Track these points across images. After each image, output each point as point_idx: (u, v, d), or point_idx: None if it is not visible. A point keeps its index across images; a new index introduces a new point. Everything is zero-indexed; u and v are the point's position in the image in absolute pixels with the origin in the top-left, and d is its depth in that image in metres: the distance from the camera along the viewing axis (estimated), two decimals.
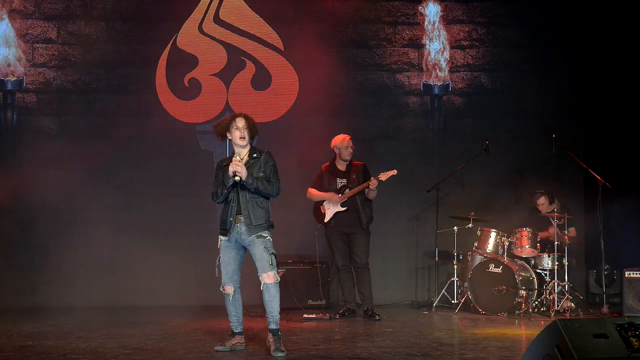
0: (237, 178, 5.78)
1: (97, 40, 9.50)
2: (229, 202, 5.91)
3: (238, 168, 5.78)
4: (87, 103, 9.48)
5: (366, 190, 7.99)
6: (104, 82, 9.52)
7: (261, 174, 5.89)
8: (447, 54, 9.84)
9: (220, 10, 9.68)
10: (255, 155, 5.96)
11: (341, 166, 8.15)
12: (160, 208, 9.28)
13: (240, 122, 5.92)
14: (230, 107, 9.59)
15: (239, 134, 5.90)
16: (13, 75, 9.35)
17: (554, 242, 8.48)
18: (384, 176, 7.88)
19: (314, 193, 8.16)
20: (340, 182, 8.10)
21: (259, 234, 5.85)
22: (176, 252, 9.24)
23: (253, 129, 5.97)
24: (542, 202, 8.96)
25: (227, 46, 9.68)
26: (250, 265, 6.00)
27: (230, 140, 6.00)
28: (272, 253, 5.86)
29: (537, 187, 9.28)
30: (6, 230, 9.12)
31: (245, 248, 5.95)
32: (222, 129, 5.98)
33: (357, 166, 8.15)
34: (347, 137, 8.14)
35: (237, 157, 5.89)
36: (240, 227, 5.86)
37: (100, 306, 8.88)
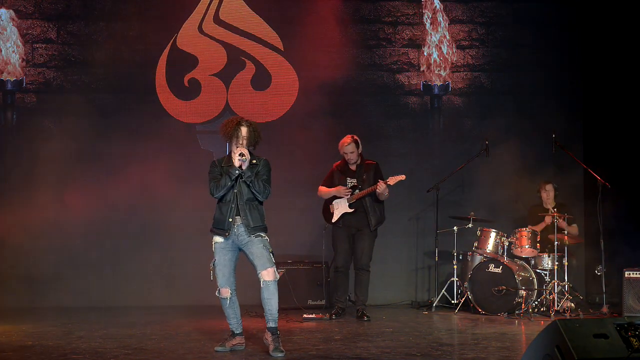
0: (244, 158, 5.79)
1: (97, 40, 9.50)
2: (228, 202, 5.93)
3: (245, 151, 5.83)
4: (87, 103, 9.47)
5: (377, 191, 7.84)
6: (104, 82, 9.52)
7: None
8: (447, 54, 9.84)
9: (220, 10, 9.68)
10: (254, 161, 5.97)
11: (352, 165, 8.02)
12: (159, 208, 9.27)
13: (243, 131, 5.92)
14: (230, 107, 9.59)
15: (239, 142, 5.90)
16: (12, 75, 9.36)
17: (554, 242, 8.47)
18: (392, 180, 7.74)
19: (323, 190, 8.03)
20: (351, 182, 7.98)
21: (257, 234, 5.88)
22: (176, 252, 9.25)
23: (255, 136, 5.97)
24: (549, 189, 8.98)
25: (227, 46, 9.68)
26: (247, 265, 6.00)
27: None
28: (271, 251, 5.88)
29: (536, 187, 9.29)
30: (5, 231, 9.11)
31: (239, 250, 5.95)
32: (226, 134, 5.96)
33: (368, 165, 8.00)
34: (346, 141, 7.93)
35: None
36: (239, 228, 5.89)
37: (100, 306, 8.88)
